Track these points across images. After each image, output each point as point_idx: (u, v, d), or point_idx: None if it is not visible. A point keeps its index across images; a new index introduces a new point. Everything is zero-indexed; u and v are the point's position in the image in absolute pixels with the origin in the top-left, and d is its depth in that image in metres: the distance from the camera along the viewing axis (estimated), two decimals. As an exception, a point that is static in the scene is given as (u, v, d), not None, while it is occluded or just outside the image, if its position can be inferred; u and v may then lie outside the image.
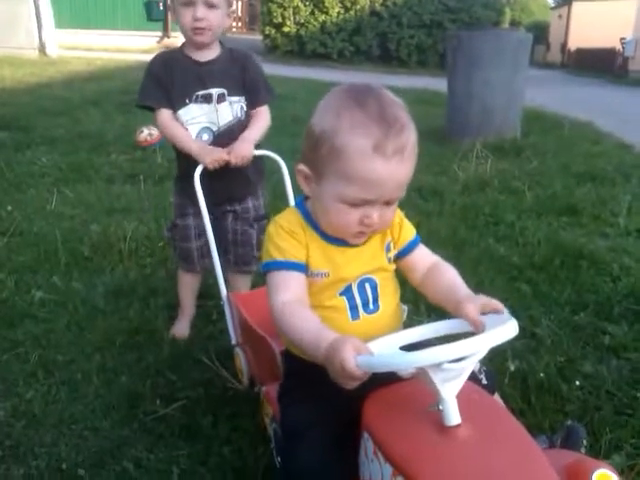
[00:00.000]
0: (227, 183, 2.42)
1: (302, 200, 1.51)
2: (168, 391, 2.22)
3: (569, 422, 1.93)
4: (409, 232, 1.56)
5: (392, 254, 1.53)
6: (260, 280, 2.96)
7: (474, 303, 1.32)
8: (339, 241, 1.45)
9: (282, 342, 1.73)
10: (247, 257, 2.64)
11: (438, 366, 1.16)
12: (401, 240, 1.54)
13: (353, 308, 1.47)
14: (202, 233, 2.52)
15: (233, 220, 2.59)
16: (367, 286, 1.48)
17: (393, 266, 1.54)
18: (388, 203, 1.36)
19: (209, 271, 2.58)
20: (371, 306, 1.49)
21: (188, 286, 2.74)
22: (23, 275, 3.19)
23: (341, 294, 1.47)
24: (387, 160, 1.27)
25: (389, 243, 1.52)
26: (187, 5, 2.28)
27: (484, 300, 1.33)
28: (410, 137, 1.31)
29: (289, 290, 1.40)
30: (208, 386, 2.25)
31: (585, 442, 1.85)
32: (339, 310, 1.47)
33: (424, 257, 1.57)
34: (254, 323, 2.09)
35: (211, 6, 2.29)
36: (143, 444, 1.96)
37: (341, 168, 1.30)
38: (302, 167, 1.41)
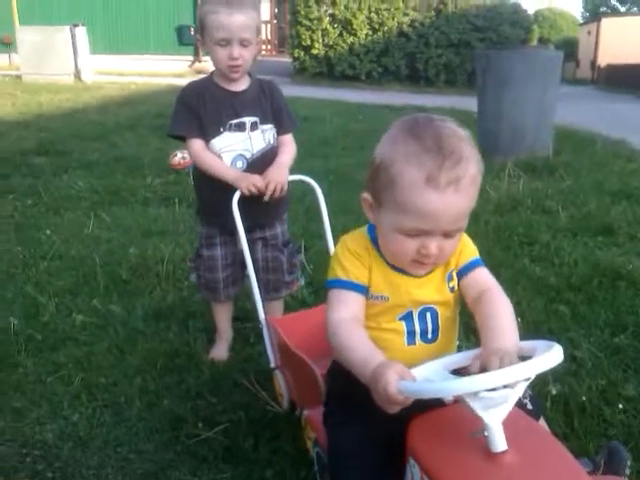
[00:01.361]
0: (257, 210, 2.43)
1: (374, 226, 1.52)
2: (209, 414, 2.24)
3: (611, 442, 1.90)
4: (469, 254, 1.54)
5: (454, 283, 1.52)
6: (292, 304, 2.99)
7: (495, 358, 1.24)
8: (402, 270, 1.47)
9: (324, 365, 1.74)
10: (278, 283, 2.64)
11: (476, 394, 1.16)
12: (460, 263, 1.52)
13: (410, 333, 1.49)
14: (229, 264, 2.57)
15: (263, 247, 2.59)
16: (428, 315, 1.50)
17: (455, 295, 1.53)
18: (447, 235, 1.36)
19: (247, 295, 2.59)
20: (429, 335, 1.51)
21: (221, 312, 2.76)
22: (63, 299, 3.24)
23: (400, 319, 1.49)
24: (441, 191, 1.29)
25: (450, 272, 1.51)
26: (223, 45, 2.33)
27: (504, 356, 1.24)
28: (468, 169, 1.31)
29: (347, 308, 1.45)
30: (248, 409, 2.27)
31: (629, 463, 1.82)
32: (396, 333, 1.49)
33: (480, 279, 1.52)
34: (293, 346, 2.11)
35: (246, 44, 2.35)
36: (187, 467, 1.99)
37: (397, 198, 1.33)
38: (366, 195, 1.45)
